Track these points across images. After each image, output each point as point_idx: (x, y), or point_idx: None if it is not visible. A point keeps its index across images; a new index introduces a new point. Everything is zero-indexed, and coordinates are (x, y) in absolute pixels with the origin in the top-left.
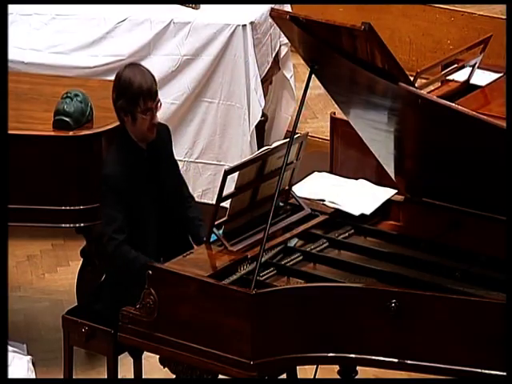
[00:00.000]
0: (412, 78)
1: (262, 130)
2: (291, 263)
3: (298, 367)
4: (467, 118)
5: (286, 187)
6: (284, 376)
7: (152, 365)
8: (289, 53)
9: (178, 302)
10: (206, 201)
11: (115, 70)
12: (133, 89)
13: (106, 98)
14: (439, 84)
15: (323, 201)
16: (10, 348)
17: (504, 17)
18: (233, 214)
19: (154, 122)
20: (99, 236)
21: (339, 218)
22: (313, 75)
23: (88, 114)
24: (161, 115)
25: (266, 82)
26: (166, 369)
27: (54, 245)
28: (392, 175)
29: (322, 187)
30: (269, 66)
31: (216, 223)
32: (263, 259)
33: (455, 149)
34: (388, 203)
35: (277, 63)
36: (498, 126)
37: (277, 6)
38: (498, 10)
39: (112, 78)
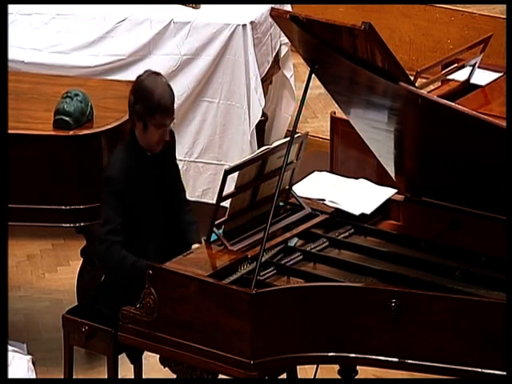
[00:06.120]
0: (412, 78)
1: (262, 130)
2: (291, 263)
3: (298, 367)
4: (467, 118)
5: (286, 187)
6: (284, 376)
7: (152, 365)
8: (289, 52)
9: (178, 301)
10: (206, 200)
11: (115, 69)
12: (152, 100)
13: (106, 98)
14: (439, 83)
15: (323, 200)
16: (9, 348)
17: (504, 17)
18: (233, 214)
19: (165, 138)
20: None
21: (339, 217)
22: (313, 75)
23: (88, 113)
24: None
25: (266, 81)
26: (166, 369)
27: (54, 245)
28: (392, 175)
29: (322, 187)
30: (269, 66)
31: (216, 223)
32: (263, 259)
33: (455, 148)
34: (388, 203)
35: (277, 63)
36: (498, 125)
37: (277, 6)
38: (498, 10)
39: (112, 77)
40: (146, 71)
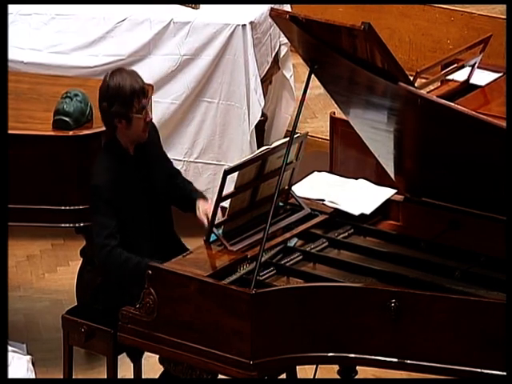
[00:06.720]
0: (412, 78)
1: (261, 130)
2: (291, 263)
3: (297, 367)
4: (467, 118)
5: (286, 187)
6: (284, 376)
7: (152, 365)
8: (289, 52)
9: (178, 301)
10: None
11: None
12: (125, 92)
13: None
14: (439, 84)
15: (323, 200)
16: (9, 348)
17: (504, 17)
18: (232, 214)
19: (148, 119)
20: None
21: (339, 217)
22: (312, 75)
23: (88, 113)
24: (161, 115)
25: (265, 81)
26: None
27: (53, 245)
28: (392, 175)
29: (321, 187)
30: (268, 66)
31: (216, 223)
32: (263, 259)
33: (455, 148)
34: (388, 203)
35: (276, 63)
36: (498, 125)
37: (276, 6)
38: (498, 10)
39: None
40: (104, 76)
